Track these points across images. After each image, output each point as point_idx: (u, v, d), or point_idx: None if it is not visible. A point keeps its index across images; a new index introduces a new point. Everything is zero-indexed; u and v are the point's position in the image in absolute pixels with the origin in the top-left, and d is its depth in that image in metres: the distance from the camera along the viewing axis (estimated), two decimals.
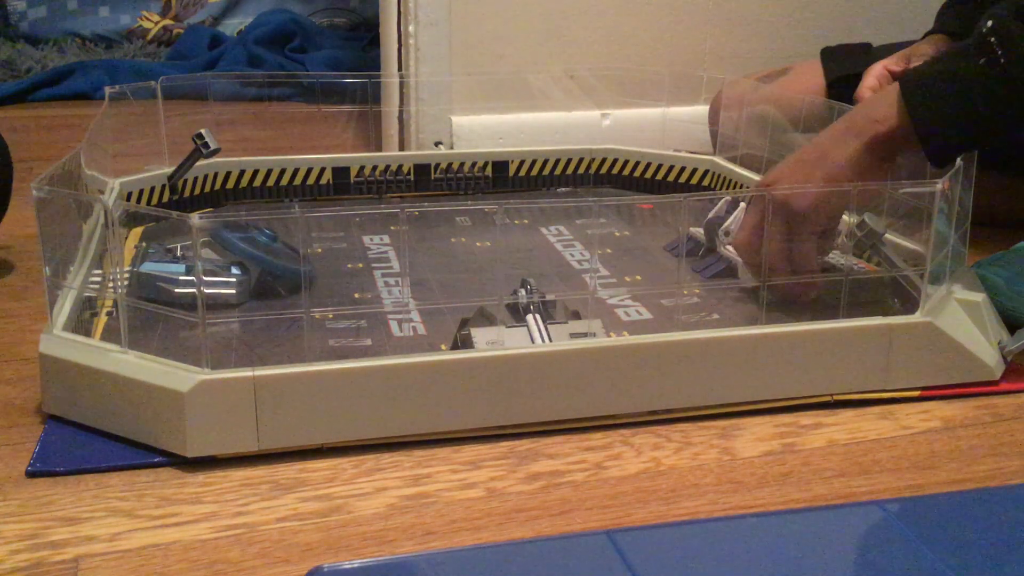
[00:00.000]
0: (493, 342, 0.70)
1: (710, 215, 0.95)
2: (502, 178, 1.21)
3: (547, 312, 0.74)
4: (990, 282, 0.82)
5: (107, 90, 1.01)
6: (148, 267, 0.81)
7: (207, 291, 0.80)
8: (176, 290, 0.79)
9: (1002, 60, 0.74)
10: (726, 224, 0.93)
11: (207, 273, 0.81)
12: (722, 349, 0.70)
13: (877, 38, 1.28)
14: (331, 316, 0.80)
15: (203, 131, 1.00)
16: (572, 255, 0.98)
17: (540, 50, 1.39)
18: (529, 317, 0.72)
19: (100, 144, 0.96)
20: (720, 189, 1.18)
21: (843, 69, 1.22)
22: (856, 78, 1.20)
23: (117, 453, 0.63)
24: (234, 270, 0.82)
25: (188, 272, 0.80)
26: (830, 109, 1.02)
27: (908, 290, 0.80)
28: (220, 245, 0.84)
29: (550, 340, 0.70)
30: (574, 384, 0.68)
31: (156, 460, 0.62)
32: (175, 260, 0.83)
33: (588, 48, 1.41)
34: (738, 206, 0.94)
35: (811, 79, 1.24)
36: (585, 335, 0.71)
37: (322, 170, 1.15)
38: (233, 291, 0.81)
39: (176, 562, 0.53)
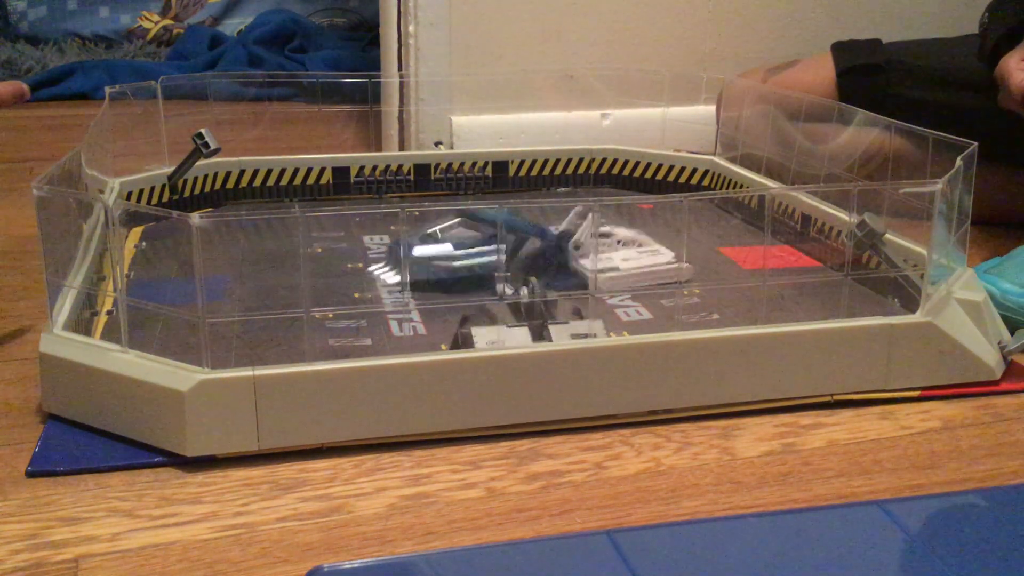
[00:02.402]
0: (494, 342, 0.69)
1: (562, 226, 0.91)
2: (502, 178, 1.21)
3: (549, 312, 0.73)
4: (985, 290, 0.82)
5: (107, 90, 1.01)
6: (420, 251, 0.86)
7: (478, 261, 0.85)
8: (455, 264, 0.85)
9: None
10: (576, 236, 0.90)
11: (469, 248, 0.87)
12: (722, 349, 0.70)
13: (880, 37, 1.28)
14: (331, 316, 0.80)
15: (203, 131, 1.00)
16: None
17: (540, 50, 1.39)
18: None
19: (100, 144, 0.96)
20: (720, 189, 1.18)
21: (854, 60, 1.22)
22: (867, 68, 1.21)
23: (117, 453, 0.63)
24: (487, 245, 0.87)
25: (457, 249, 0.86)
26: (831, 108, 1.02)
27: (908, 290, 0.80)
28: (473, 219, 0.89)
29: (551, 340, 0.70)
30: (574, 384, 0.68)
31: (156, 460, 0.62)
32: (439, 241, 0.88)
33: (588, 48, 1.41)
34: (587, 216, 0.89)
35: (821, 71, 1.24)
36: (586, 336, 0.71)
37: (322, 170, 1.15)
38: (494, 258, 0.83)
39: (176, 562, 0.53)
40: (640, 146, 1.25)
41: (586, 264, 0.87)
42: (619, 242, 0.93)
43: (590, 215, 0.88)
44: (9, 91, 0.85)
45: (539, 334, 0.70)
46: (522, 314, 0.73)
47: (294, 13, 2.40)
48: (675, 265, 0.88)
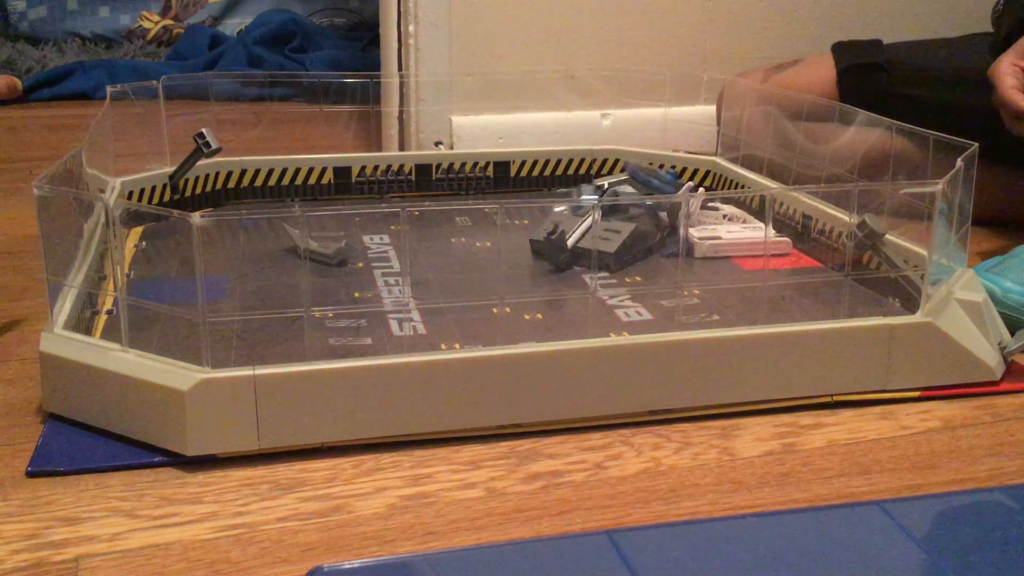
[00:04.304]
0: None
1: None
2: (503, 178, 1.21)
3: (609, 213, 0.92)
4: (985, 289, 0.82)
5: (108, 89, 1.01)
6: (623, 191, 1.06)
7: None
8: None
9: None
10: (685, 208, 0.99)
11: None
12: (722, 349, 0.70)
13: (880, 38, 1.28)
14: (331, 315, 0.80)
15: (204, 130, 1.00)
16: None
17: (540, 50, 1.39)
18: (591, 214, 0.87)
19: (101, 143, 0.96)
20: (721, 189, 1.18)
21: (855, 59, 1.22)
22: (868, 68, 1.21)
23: (117, 453, 0.63)
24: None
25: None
26: (832, 108, 1.02)
27: (908, 290, 0.80)
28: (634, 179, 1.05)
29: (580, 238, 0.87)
30: (574, 384, 0.68)
31: (156, 459, 0.62)
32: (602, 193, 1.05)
33: (588, 48, 1.41)
34: (698, 191, 1.05)
35: (821, 70, 1.24)
36: (616, 232, 0.88)
37: (323, 170, 1.15)
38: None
39: (176, 562, 0.53)
40: (641, 146, 1.25)
41: (693, 232, 0.97)
42: (725, 216, 1.05)
43: (700, 190, 1.04)
44: (2, 83, 0.84)
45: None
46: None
47: (294, 13, 2.40)
48: (772, 239, 0.97)
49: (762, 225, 1.02)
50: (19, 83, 0.86)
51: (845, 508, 0.58)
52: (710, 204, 1.03)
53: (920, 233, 0.79)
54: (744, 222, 1.04)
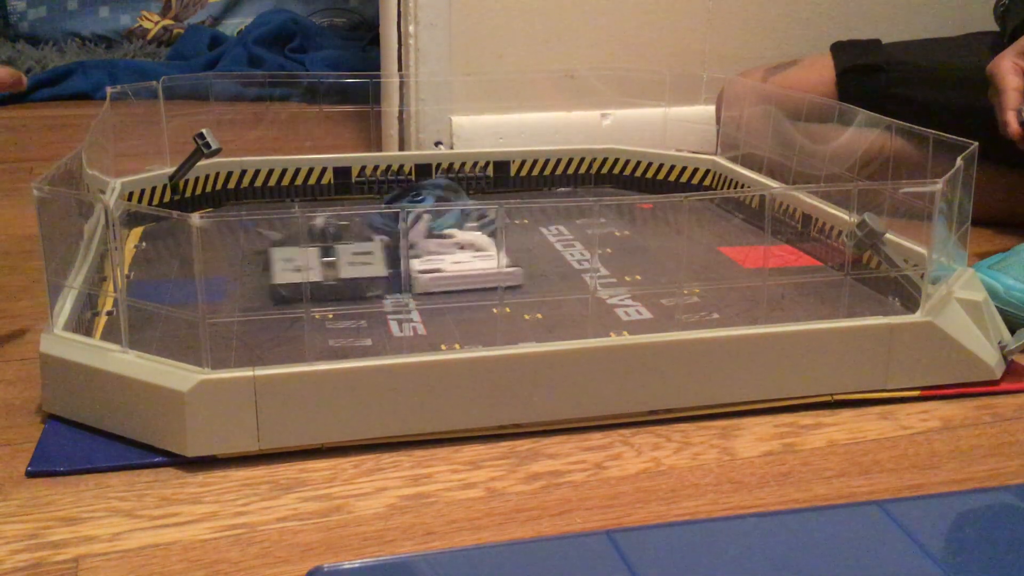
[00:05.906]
0: (288, 259, 0.85)
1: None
2: (503, 178, 1.21)
3: (339, 236, 0.89)
4: (987, 286, 0.82)
5: (108, 90, 1.01)
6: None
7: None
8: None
9: None
10: (411, 237, 0.92)
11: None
12: (722, 349, 0.70)
13: (880, 37, 1.28)
14: (331, 316, 0.80)
15: (204, 131, 1.00)
16: (572, 255, 0.98)
17: (540, 50, 1.39)
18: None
19: (101, 144, 0.96)
20: (721, 189, 1.18)
21: (854, 60, 1.22)
22: (867, 68, 1.21)
23: (117, 453, 0.63)
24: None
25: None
26: (832, 108, 1.02)
27: (908, 290, 0.80)
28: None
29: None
30: (574, 384, 0.68)
31: (156, 460, 0.62)
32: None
33: (588, 48, 1.41)
34: (421, 219, 0.94)
35: (820, 71, 1.24)
36: (367, 254, 0.85)
37: (323, 170, 1.15)
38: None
39: (176, 562, 0.53)
40: (640, 146, 1.25)
41: (415, 264, 0.87)
42: (459, 246, 0.93)
43: (424, 217, 0.92)
44: (6, 73, 0.85)
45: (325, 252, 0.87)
46: (319, 238, 0.88)
47: (294, 13, 2.40)
48: (500, 271, 0.83)
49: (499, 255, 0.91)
50: (24, 78, 0.86)
51: (845, 508, 0.58)
52: (444, 232, 0.93)
53: (920, 233, 0.79)
54: (478, 250, 0.92)
